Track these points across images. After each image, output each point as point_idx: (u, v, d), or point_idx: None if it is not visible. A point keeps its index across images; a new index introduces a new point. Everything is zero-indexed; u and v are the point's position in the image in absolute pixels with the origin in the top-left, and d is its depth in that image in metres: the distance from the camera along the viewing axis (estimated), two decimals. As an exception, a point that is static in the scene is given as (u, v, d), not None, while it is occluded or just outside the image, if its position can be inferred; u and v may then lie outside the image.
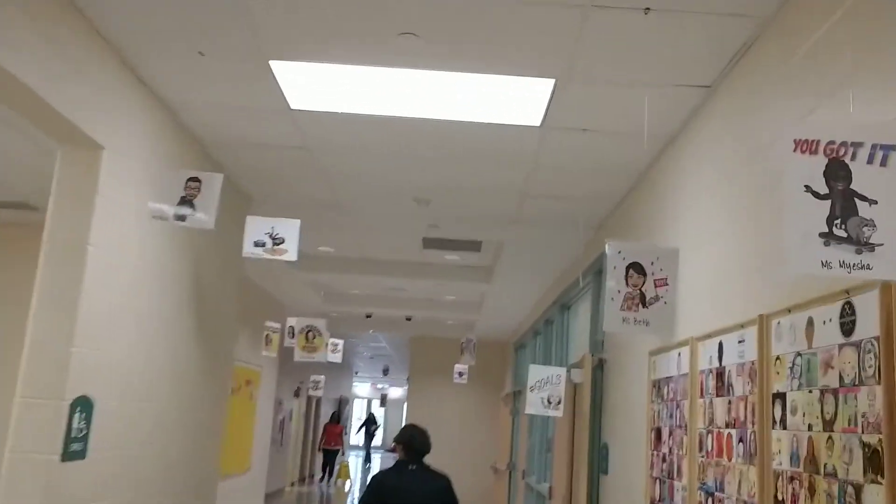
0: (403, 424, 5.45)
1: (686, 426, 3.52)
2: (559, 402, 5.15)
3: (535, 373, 5.19)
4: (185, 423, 5.03)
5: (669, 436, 3.81)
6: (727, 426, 3.05)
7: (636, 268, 3.21)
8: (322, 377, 14.35)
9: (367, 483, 4.89)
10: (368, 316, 13.83)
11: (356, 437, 33.22)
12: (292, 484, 19.28)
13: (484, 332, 13.92)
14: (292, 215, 5.39)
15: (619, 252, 3.22)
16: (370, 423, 28.60)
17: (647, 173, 4.82)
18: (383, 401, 20.25)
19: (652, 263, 3.22)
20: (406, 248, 8.35)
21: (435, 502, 4.76)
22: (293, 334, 8.86)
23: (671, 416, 3.80)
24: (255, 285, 10.16)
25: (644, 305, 3.18)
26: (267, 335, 7.78)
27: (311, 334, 6.11)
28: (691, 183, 3.90)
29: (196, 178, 3.71)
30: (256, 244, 4.70)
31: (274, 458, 15.57)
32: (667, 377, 3.92)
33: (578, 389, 5.78)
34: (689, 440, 3.46)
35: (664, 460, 3.88)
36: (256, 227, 4.71)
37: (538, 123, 4.24)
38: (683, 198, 4.02)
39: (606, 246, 3.23)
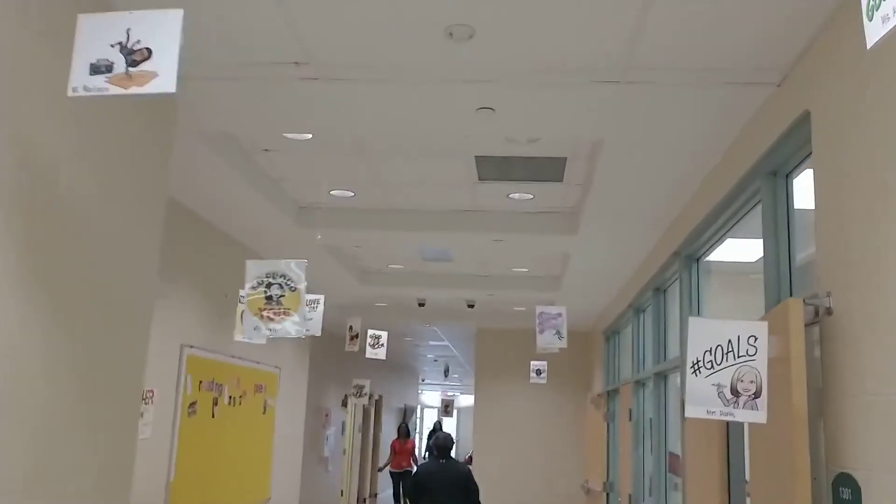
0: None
1: None
2: (755, 395, 2.47)
3: (702, 334, 2.51)
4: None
5: None
6: None
7: None
8: (367, 381, 11.81)
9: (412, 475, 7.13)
10: (421, 304, 11.28)
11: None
12: (349, 507, 16.83)
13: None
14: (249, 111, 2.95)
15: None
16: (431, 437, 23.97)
17: None
18: (447, 409, 17.39)
19: None
20: (455, 184, 5.76)
21: (459, 484, 6.77)
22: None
23: None
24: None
25: None
26: (243, 312, 5.21)
27: (273, 289, 3.53)
28: None
29: None
30: (96, 68, 2.17)
31: (318, 478, 13.14)
32: None
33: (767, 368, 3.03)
34: None
35: None
36: (98, 35, 2.18)
37: None
38: None
39: None
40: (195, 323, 6.10)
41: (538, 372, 11.50)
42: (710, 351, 2.49)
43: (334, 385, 13.90)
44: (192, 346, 6.05)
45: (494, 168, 5.37)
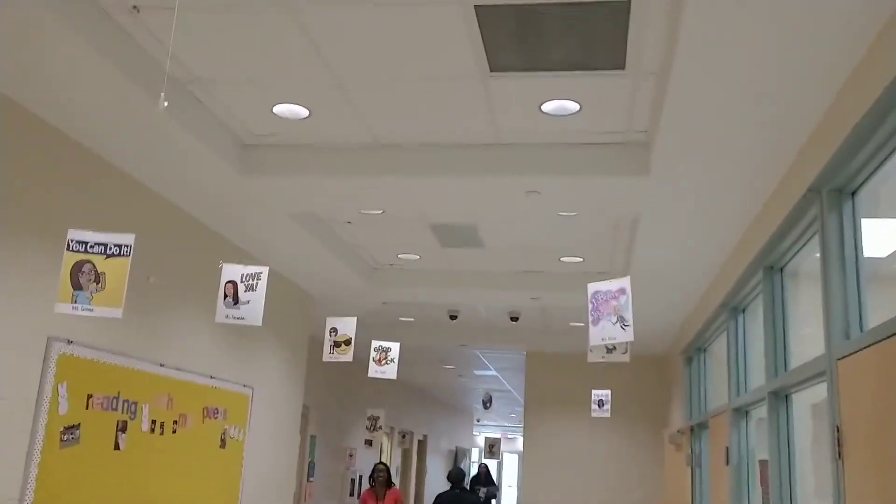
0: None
1: None
2: None
3: None
4: None
5: None
6: None
7: None
8: (381, 412, 9.63)
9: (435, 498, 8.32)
10: (453, 317, 9.17)
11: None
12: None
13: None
14: None
15: None
16: (477, 484, 15.45)
17: None
18: (492, 449, 15.02)
19: None
20: (455, 78, 3.69)
21: None
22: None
23: None
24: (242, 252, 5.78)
25: None
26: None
27: None
28: None
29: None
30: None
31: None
32: None
33: None
34: None
35: None
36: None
37: None
38: None
39: None
40: (80, 308, 4.09)
41: (601, 403, 9.23)
42: None
43: (350, 415, 11.76)
44: (70, 342, 4.06)
45: (511, 40, 3.27)
